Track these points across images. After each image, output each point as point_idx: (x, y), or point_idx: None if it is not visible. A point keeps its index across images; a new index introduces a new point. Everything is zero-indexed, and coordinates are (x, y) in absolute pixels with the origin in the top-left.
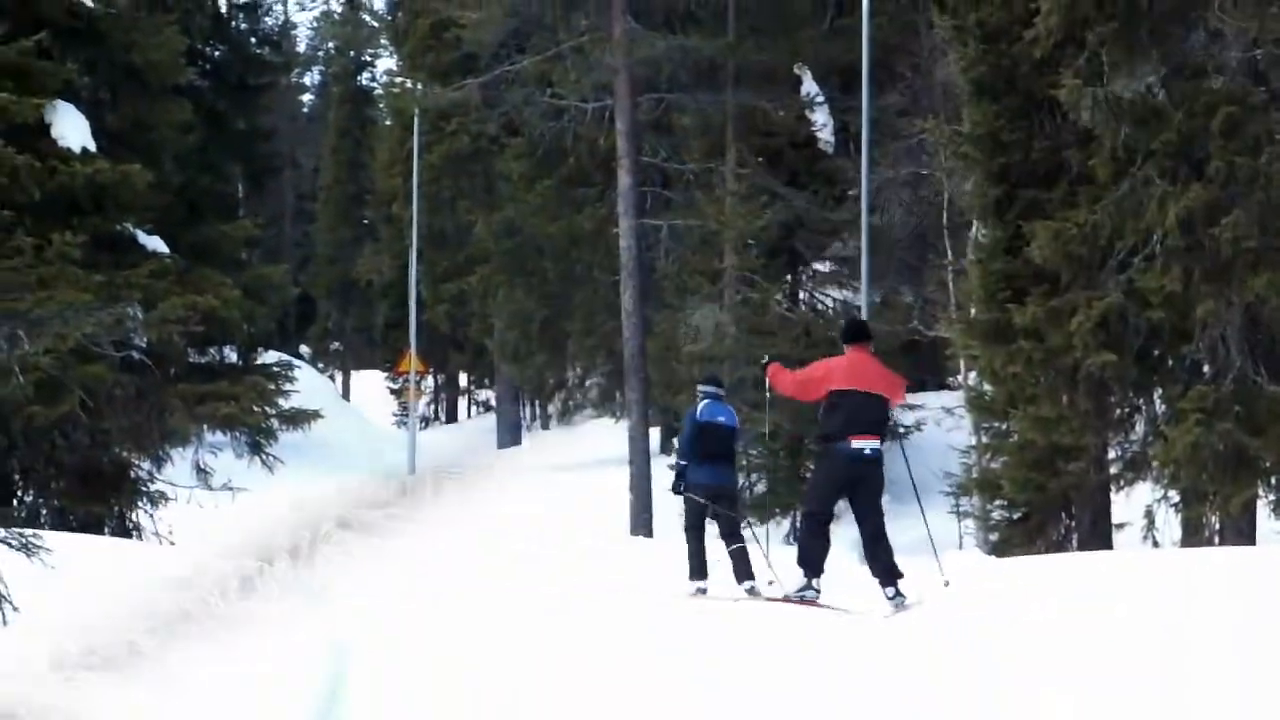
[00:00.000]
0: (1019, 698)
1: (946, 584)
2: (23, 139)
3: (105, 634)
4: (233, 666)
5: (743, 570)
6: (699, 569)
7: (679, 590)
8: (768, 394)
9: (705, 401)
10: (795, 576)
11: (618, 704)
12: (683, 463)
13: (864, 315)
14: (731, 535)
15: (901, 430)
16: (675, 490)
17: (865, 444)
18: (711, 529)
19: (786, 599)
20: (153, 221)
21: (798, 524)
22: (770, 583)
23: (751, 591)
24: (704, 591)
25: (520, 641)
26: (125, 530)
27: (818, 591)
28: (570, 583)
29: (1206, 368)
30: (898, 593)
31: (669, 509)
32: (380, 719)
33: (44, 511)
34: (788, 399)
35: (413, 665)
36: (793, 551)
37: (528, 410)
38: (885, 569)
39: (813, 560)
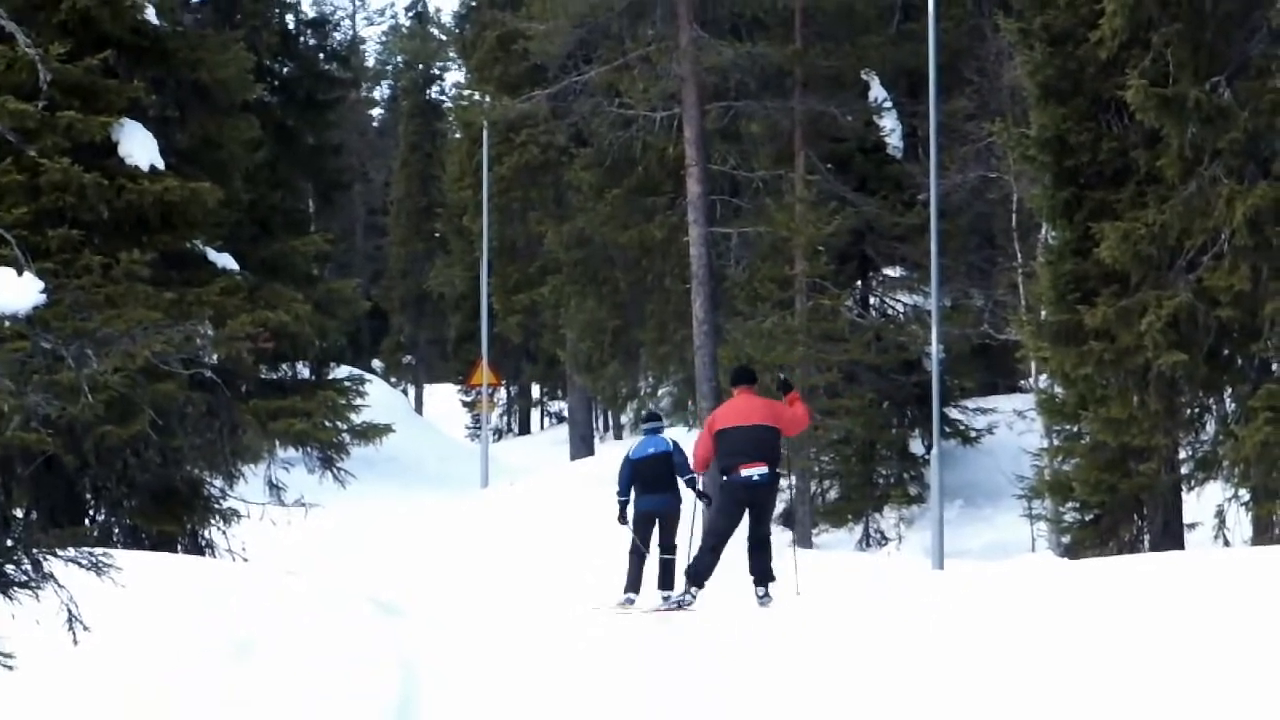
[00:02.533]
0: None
1: (798, 594)
2: (90, 158)
3: (174, 653)
4: (302, 686)
5: (665, 580)
6: (633, 584)
7: (610, 601)
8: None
9: (638, 441)
10: (681, 584)
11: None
12: (622, 498)
13: (934, 319)
14: (665, 548)
15: (973, 435)
16: (620, 521)
17: (753, 471)
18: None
19: (658, 609)
20: (222, 238)
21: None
22: (798, 593)
23: (666, 599)
24: (632, 603)
25: (595, 660)
26: (198, 548)
27: (693, 599)
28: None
29: (1275, 366)
30: (766, 593)
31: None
32: None
33: (116, 530)
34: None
35: (484, 683)
36: (860, 558)
37: (600, 420)
38: (761, 571)
39: (700, 574)
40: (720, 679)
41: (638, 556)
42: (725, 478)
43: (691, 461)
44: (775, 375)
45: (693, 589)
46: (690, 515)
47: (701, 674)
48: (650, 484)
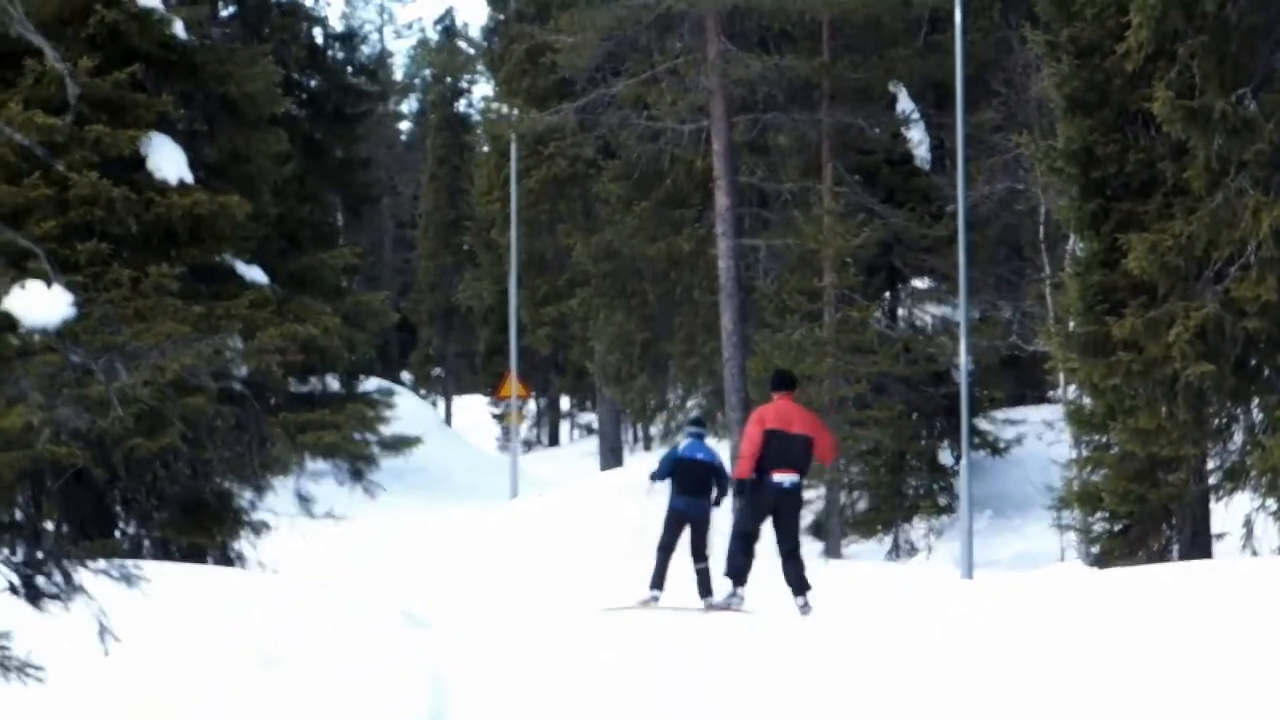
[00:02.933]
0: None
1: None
2: (119, 172)
3: (203, 664)
4: (331, 697)
5: (704, 588)
6: (658, 581)
7: (636, 596)
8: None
9: (688, 441)
10: (724, 586)
11: None
12: (656, 477)
13: (962, 331)
14: (698, 556)
15: (1002, 446)
16: (653, 477)
17: (785, 478)
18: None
19: (712, 607)
20: (251, 252)
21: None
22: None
23: (709, 607)
24: (656, 600)
25: (621, 671)
26: (228, 560)
27: (741, 599)
28: (680, 608)
29: None
30: (805, 602)
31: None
32: None
33: (146, 543)
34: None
35: (512, 695)
36: (889, 567)
37: (629, 432)
38: (796, 580)
39: (739, 573)
40: (744, 688)
41: (664, 554)
42: (759, 477)
43: (734, 469)
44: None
45: (738, 590)
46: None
47: (726, 683)
48: (688, 486)
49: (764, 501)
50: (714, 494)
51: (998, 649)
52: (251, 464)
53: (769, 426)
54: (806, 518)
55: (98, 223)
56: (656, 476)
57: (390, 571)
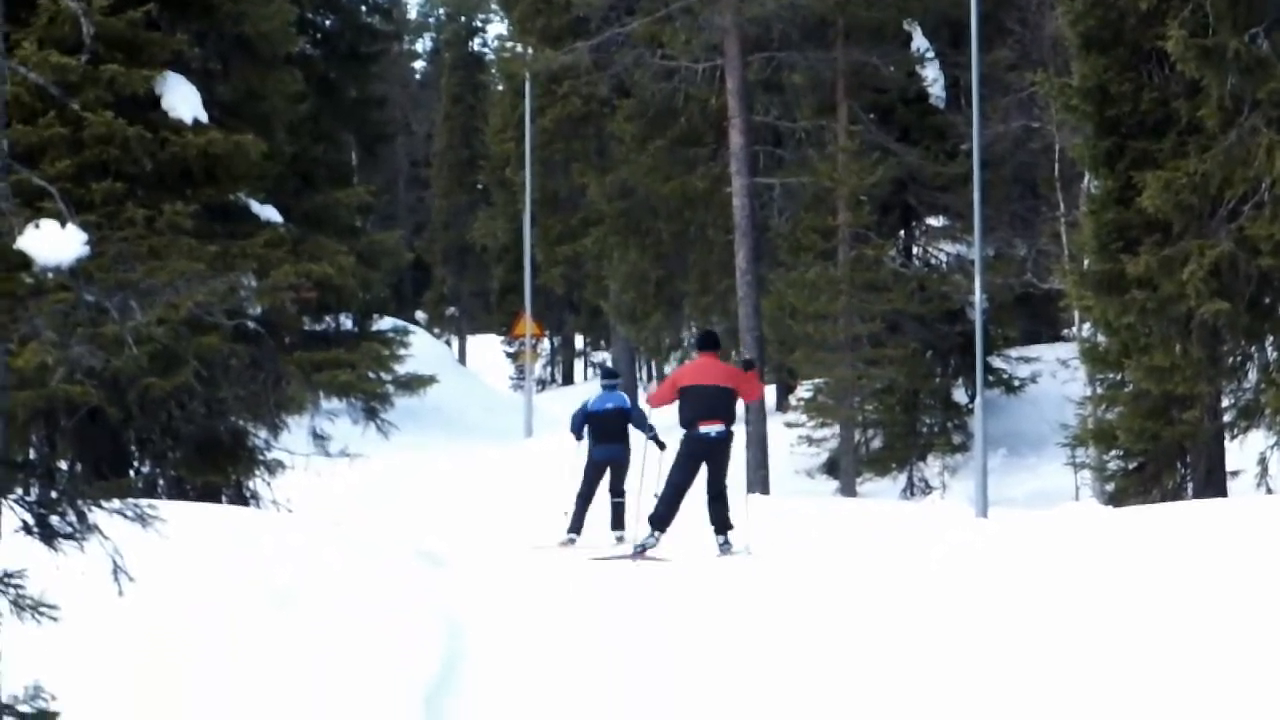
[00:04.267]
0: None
1: (749, 552)
2: (133, 111)
3: (217, 602)
4: (346, 639)
5: (617, 521)
6: (576, 526)
7: (552, 540)
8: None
9: (598, 394)
10: (644, 529)
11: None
12: (576, 435)
13: (977, 269)
14: (615, 492)
15: (1017, 384)
16: (576, 436)
17: (710, 428)
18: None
19: (635, 552)
20: (266, 191)
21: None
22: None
23: (620, 540)
24: (573, 542)
25: (633, 607)
26: (243, 499)
27: (655, 541)
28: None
29: None
30: (726, 540)
31: (785, 466)
32: (493, 696)
33: (161, 482)
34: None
35: (527, 633)
36: (903, 506)
37: (644, 371)
38: (719, 520)
39: (662, 520)
40: (753, 630)
41: (583, 501)
42: (685, 432)
43: (647, 401)
44: (739, 354)
45: (655, 533)
46: (641, 464)
47: (738, 627)
48: (607, 435)
49: (695, 453)
50: (643, 433)
51: (1012, 590)
52: (266, 403)
53: (683, 384)
54: (821, 456)
55: (112, 162)
56: (576, 434)
57: (405, 511)
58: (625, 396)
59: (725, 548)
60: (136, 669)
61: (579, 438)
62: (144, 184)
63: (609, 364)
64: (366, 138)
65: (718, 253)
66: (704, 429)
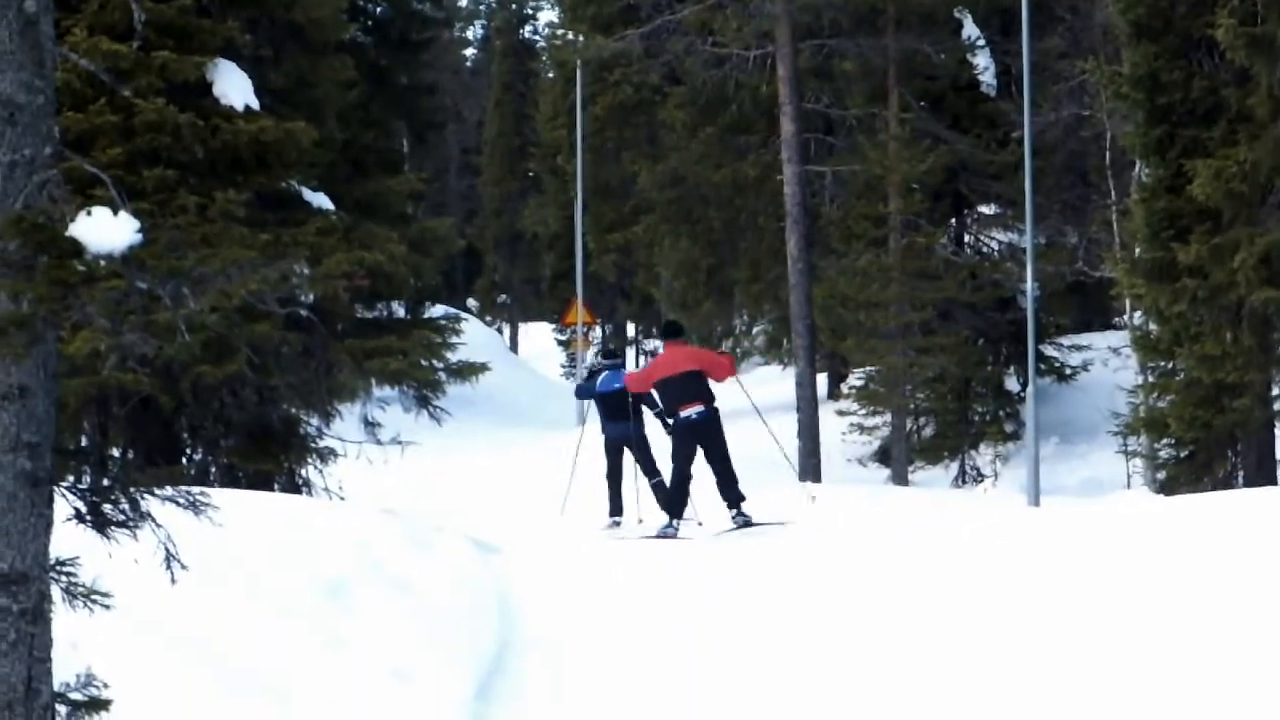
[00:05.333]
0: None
1: (813, 499)
2: (185, 98)
3: (271, 591)
4: (398, 624)
5: (661, 500)
6: (616, 508)
7: (600, 526)
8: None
9: (604, 374)
10: (661, 518)
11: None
12: (580, 395)
13: (1029, 257)
14: (649, 473)
15: (1068, 372)
16: (578, 394)
17: (691, 411)
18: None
19: (651, 536)
20: (317, 178)
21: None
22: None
23: (616, 524)
24: (618, 525)
25: (690, 594)
26: (295, 487)
27: (676, 529)
28: (748, 537)
29: None
30: (740, 512)
31: (837, 454)
32: (547, 682)
33: (213, 470)
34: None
35: (581, 621)
36: (952, 493)
37: None
38: (730, 495)
39: (675, 505)
40: (799, 607)
41: (614, 481)
42: (672, 421)
43: (625, 383)
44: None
45: (674, 521)
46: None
47: (782, 605)
48: (614, 414)
49: (686, 439)
50: (650, 410)
51: (1065, 579)
52: (318, 390)
53: (658, 378)
54: (873, 445)
55: (164, 149)
56: (580, 394)
57: (457, 498)
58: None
59: (739, 519)
60: (189, 657)
61: (582, 396)
62: (196, 171)
63: (610, 345)
64: (417, 125)
65: (769, 240)
66: (685, 413)
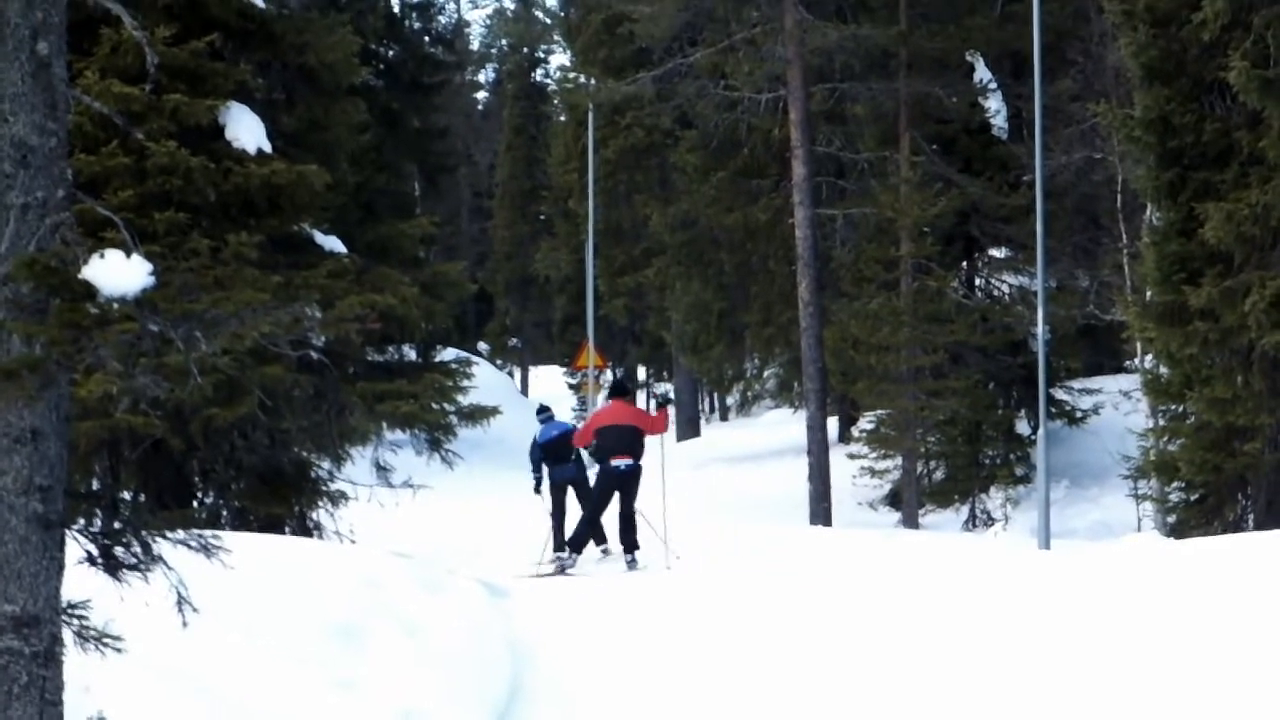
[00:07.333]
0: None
1: (677, 558)
2: (197, 141)
3: (283, 635)
4: (410, 668)
5: (575, 535)
6: (559, 544)
7: (590, 557)
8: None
9: (541, 427)
10: (563, 552)
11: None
12: (536, 475)
13: (1040, 300)
14: (585, 510)
15: (1079, 415)
16: (536, 490)
17: (621, 462)
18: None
19: (556, 570)
20: (329, 221)
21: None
22: (676, 559)
23: (605, 552)
24: (607, 553)
25: (699, 639)
26: (306, 530)
27: (573, 563)
28: (756, 581)
29: None
30: (633, 558)
31: (848, 498)
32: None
33: (224, 513)
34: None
35: (592, 664)
36: (963, 537)
37: (706, 402)
38: (628, 541)
39: (580, 543)
40: (812, 656)
41: (557, 520)
42: (600, 466)
43: (574, 441)
44: (657, 395)
45: (573, 555)
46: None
47: (798, 651)
48: (559, 458)
49: (609, 484)
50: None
51: (1076, 622)
52: (330, 433)
53: (600, 425)
54: (883, 488)
55: (176, 192)
56: (536, 475)
57: (468, 541)
58: (567, 422)
59: (632, 564)
60: (200, 700)
61: (538, 473)
62: (208, 214)
63: (541, 403)
64: (429, 168)
65: (780, 284)
66: (615, 463)
